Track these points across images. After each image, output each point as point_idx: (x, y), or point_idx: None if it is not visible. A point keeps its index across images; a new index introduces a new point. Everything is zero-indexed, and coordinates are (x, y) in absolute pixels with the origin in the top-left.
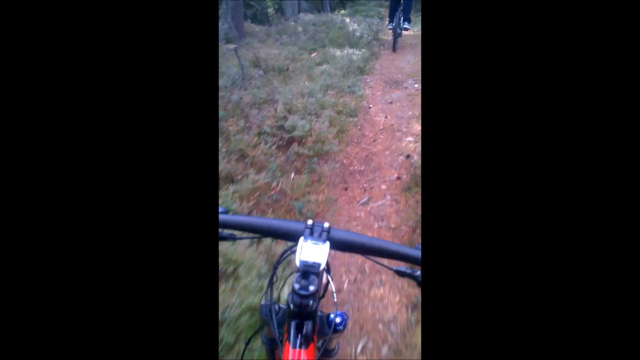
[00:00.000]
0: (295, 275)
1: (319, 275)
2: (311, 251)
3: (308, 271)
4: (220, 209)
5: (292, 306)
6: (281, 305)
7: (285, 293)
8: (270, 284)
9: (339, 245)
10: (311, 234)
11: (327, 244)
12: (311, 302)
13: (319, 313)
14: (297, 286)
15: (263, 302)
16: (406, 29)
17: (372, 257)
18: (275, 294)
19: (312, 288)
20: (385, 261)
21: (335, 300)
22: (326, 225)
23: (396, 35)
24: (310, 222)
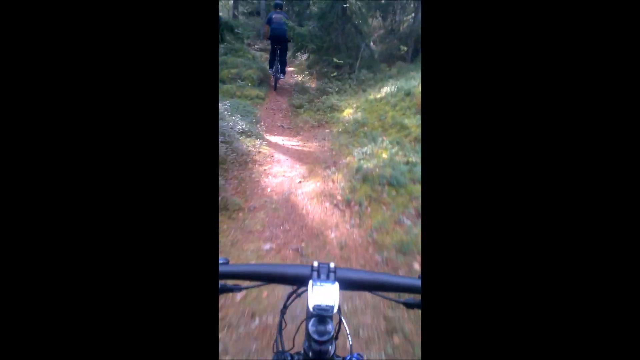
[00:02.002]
0: (311, 321)
1: (332, 318)
2: (322, 294)
3: (323, 315)
4: (220, 260)
5: (310, 354)
6: (295, 355)
7: (297, 339)
8: (280, 330)
9: (347, 284)
10: (318, 276)
11: (336, 284)
12: (330, 347)
13: (335, 358)
14: (313, 332)
15: (273, 349)
16: (282, 76)
17: (379, 293)
18: (286, 340)
19: (329, 333)
20: (392, 295)
21: (350, 342)
22: (332, 265)
23: (276, 78)
24: (315, 263)
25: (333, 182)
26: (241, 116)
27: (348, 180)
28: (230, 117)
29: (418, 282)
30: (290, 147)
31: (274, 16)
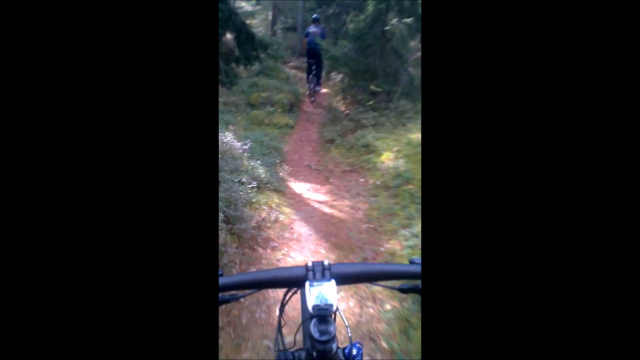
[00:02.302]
0: (312, 322)
1: (332, 315)
2: (319, 294)
3: (323, 315)
4: None
5: (314, 353)
6: (296, 353)
7: (298, 337)
8: (279, 329)
9: (343, 279)
10: (314, 275)
11: (332, 281)
12: (333, 345)
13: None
14: (316, 333)
15: (275, 348)
16: (317, 91)
17: (376, 282)
18: (286, 338)
19: (331, 332)
20: (387, 282)
21: (350, 333)
22: (326, 262)
23: (312, 92)
24: (310, 263)
25: (374, 301)
26: (264, 155)
27: (395, 297)
28: (249, 162)
29: (410, 268)
30: (316, 205)
31: (311, 30)
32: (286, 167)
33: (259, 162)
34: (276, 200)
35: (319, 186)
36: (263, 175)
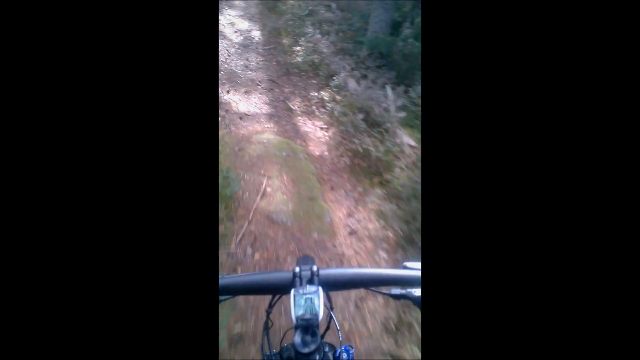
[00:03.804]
0: (296, 332)
1: (318, 325)
2: (304, 302)
3: (307, 325)
4: None
5: None
6: (282, 355)
7: (286, 339)
8: (266, 331)
9: (332, 285)
10: (300, 282)
11: (320, 289)
12: (317, 357)
13: (324, 349)
14: (298, 343)
15: (261, 351)
16: None
17: (368, 288)
18: (273, 340)
19: (314, 345)
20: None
21: (341, 336)
22: (315, 268)
23: None
24: (297, 269)
25: None
26: None
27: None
28: None
29: (403, 273)
30: None
31: None
32: None
33: None
34: None
35: None
36: None
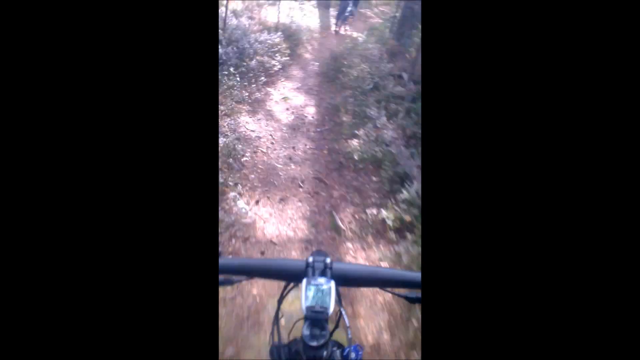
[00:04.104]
0: (305, 324)
1: (328, 321)
2: (316, 294)
3: (317, 318)
4: None
5: (304, 358)
6: (291, 348)
7: (295, 331)
8: (277, 321)
9: (344, 280)
10: (313, 272)
11: (332, 282)
12: (324, 352)
13: (332, 348)
14: (306, 335)
15: (269, 341)
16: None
17: (381, 288)
18: (283, 332)
19: (322, 339)
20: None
21: (350, 335)
22: (328, 260)
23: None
24: (310, 259)
25: None
26: None
27: None
28: None
29: (418, 277)
30: None
31: None
32: None
33: None
34: None
35: None
36: None
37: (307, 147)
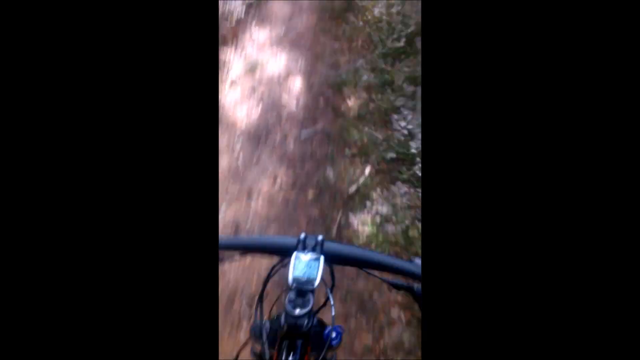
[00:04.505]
0: (288, 293)
1: (314, 292)
2: (304, 267)
3: (302, 289)
4: None
5: (285, 327)
6: (273, 322)
7: (277, 308)
8: (260, 300)
9: (333, 258)
10: (304, 247)
11: (321, 258)
12: (305, 322)
13: (314, 323)
14: (289, 305)
15: (253, 318)
16: None
17: (367, 270)
18: (266, 310)
19: (305, 308)
20: (379, 273)
21: (333, 314)
22: (320, 237)
23: None
24: (302, 235)
25: None
26: None
27: None
28: None
29: (409, 266)
30: None
31: None
32: None
33: None
34: None
35: None
36: None
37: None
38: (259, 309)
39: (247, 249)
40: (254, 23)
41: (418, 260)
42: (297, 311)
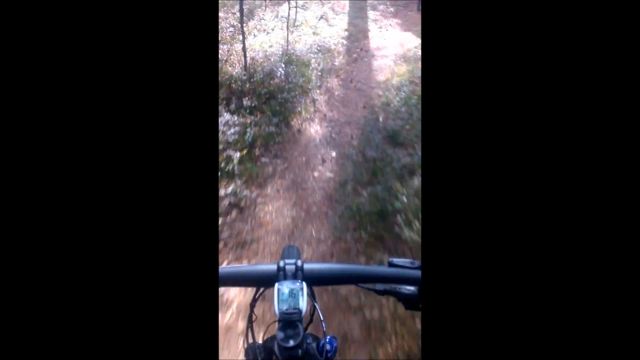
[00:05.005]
0: (278, 326)
1: (302, 320)
2: (288, 297)
3: (290, 320)
4: None
5: (280, 358)
6: (267, 345)
7: (270, 332)
8: (250, 324)
9: (315, 281)
10: (285, 276)
11: (304, 284)
12: (299, 351)
13: (307, 340)
14: (281, 337)
15: (244, 343)
16: None
17: (352, 284)
18: (256, 332)
19: (297, 339)
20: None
21: (324, 326)
22: (299, 262)
23: None
24: (281, 263)
25: None
26: None
27: None
28: None
29: (389, 270)
30: None
31: None
32: None
33: None
34: None
35: None
36: None
37: None
38: (249, 332)
39: (226, 282)
40: None
41: (396, 260)
42: (291, 343)
